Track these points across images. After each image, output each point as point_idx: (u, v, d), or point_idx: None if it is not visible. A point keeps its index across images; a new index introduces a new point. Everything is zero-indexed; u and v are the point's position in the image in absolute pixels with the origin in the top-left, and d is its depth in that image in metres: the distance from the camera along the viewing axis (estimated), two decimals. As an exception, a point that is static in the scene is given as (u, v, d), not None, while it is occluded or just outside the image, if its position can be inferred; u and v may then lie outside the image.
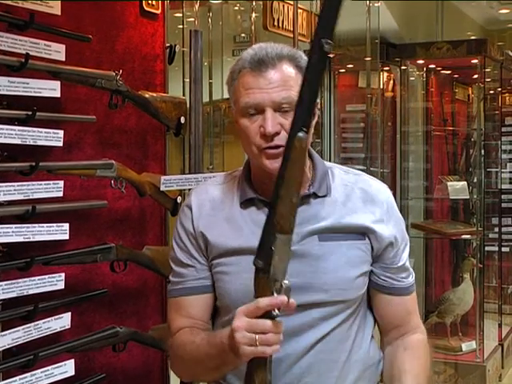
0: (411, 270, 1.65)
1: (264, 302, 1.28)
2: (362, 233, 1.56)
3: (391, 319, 1.64)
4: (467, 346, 4.84)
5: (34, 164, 1.92)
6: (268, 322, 1.28)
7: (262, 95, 1.46)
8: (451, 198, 5.13)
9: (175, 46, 2.54)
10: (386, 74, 5.18)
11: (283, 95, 1.46)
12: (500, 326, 5.41)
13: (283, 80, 1.47)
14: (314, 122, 1.51)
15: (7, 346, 1.89)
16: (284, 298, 1.28)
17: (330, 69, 4.69)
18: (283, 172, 1.29)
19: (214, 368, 1.46)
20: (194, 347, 1.51)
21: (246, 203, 1.58)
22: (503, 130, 5.85)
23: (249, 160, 1.62)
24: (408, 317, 1.64)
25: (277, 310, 1.29)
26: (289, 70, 1.48)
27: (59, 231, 2.00)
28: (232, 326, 1.31)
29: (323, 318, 1.52)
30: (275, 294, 1.29)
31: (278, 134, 1.46)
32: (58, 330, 2.03)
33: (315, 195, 1.57)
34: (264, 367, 1.31)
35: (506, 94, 6.17)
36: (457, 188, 5.07)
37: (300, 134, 1.27)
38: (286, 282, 1.29)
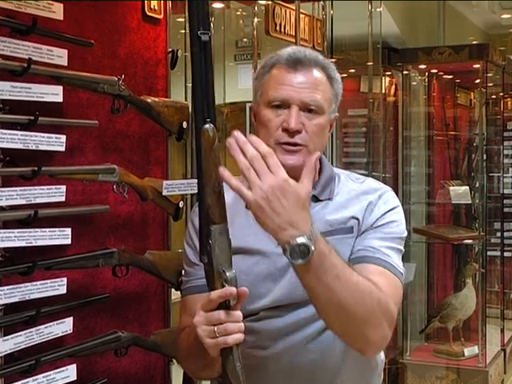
0: (389, 254, 1.53)
1: (215, 294, 1.31)
2: (351, 226, 1.56)
3: None
4: (469, 351, 4.83)
5: (36, 169, 1.92)
6: (221, 313, 1.30)
7: (292, 93, 1.52)
8: (453, 202, 5.13)
9: (177, 50, 2.54)
10: (387, 79, 5.18)
11: (312, 97, 1.52)
12: (502, 331, 5.41)
13: (315, 83, 1.53)
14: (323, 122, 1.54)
15: (9, 351, 1.89)
16: (232, 288, 1.30)
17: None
18: (200, 165, 1.33)
19: (205, 365, 1.47)
20: (187, 346, 1.53)
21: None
22: (505, 134, 5.85)
23: None
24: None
25: (231, 300, 1.31)
26: (321, 76, 1.55)
27: (61, 236, 2.00)
28: (193, 322, 1.34)
29: (310, 319, 1.53)
30: (226, 285, 1.31)
31: (299, 132, 1.51)
32: (60, 334, 2.03)
33: (316, 198, 1.58)
34: (231, 357, 1.33)
35: (508, 99, 6.17)
36: (459, 193, 5.07)
37: (205, 126, 1.32)
38: (228, 273, 1.31)
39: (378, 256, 1.51)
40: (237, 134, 1.31)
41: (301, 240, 1.30)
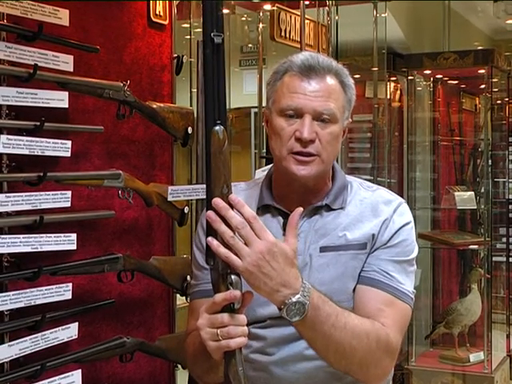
0: (402, 281, 1.55)
1: (219, 297, 1.31)
2: (364, 242, 1.56)
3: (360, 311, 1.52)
4: (475, 356, 4.81)
5: (41, 174, 1.92)
6: (225, 315, 1.31)
7: (305, 101, 1.49)
8: (458, 208, 5.11)
9: (182, 56, 2.55)
10: (392, 84, 5.18)
11: (325, 106, 1.50)
12: (508, 336, 5.39)
13: (328, 91, 1.51)
14: (336, 129, 1.53)
15: (14, 357, 1.89)
16: (236, 291, 1.30)
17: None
18: (208, 167, 1.32)
19: (209, 369, 1.47)
20: (193, 350, 1.53)
21: (262, 209, 1.60)
22: (510, 139, 5.83)
23: (271, 171, 1.64)
24: (379, 314, 1.50)
25: (236, 304, 1.31)
26: (335, 83, 1.53)
27: (67, 241, 2.01)
28: (197, 325, 1.34)
29: None
30: (231, 288, 1.31)
31: (312, 142, 1.49)
32: (65, 340, 2.03)
33: (328, 207, 1.58)
34: (234, 360, 1.33)
35: (514, 104, 6.15)
36: (464, 198, 5.05)
37: (216, 128, 1.32)
38: (233, 276, 1.31)
39: (392, 284, 1.53)
40: (217, 201, 1.31)
41: (295, 298, 1.33)
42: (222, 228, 1.30)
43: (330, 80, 1.52)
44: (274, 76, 1.56)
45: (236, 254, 1.30)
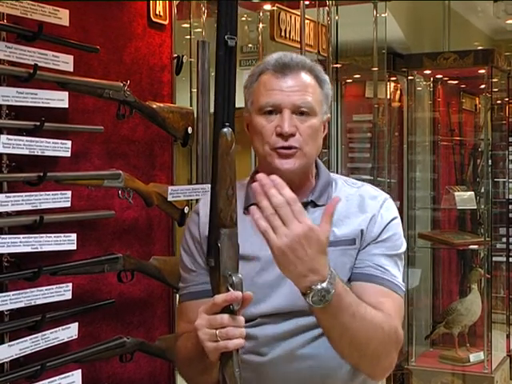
0: (395, 274, 1.57)
1: (219, 298, 1.31)
2: (353, 238, 1.57)
3: None
4: (475, 356, 4.81)
5: (41, 174, 1.93)
6: (225, 316, 1.31)
7: (282, 97, 1.52)
8: (458, 208, 5.11)
9: (182, 56, 2.55)
10: (392, 84, 5.18)
11: (303, 100, 1.53)
12: (508, 336, 5.39)
13: (304, 85, 1.54)
14: (316, 131, 1.55)
15: (15, 357, 1.89)
16: (237, 293, 1.31)
17: (338, 78, 4.67)
18: (215, 168, 1.33)
19: (203, 370, 1.47)
20: (185, 352, 1.53)
21: (249, 209, 1.60)
22: (510, 139, 5.83)
23: (257, 169, 1.65)
24: (381, 307, 1.50)
25: (235, 305, 1.31)
26: (310, 78, 1.56)
27: (67, 241, 2.01)
28: (195, 325, 1.34)
29: (308, 326, 1.53)
30: (231, 289, 1.31)
31: (293, 135, 1.52)
32: (66, 340, 2.03)
33: (314, 204, 1.59)
34: (231, 362, 1.33)
35: (514, 104, 6.15)
36: (464, 198, 5.05)
37: (224, 130, 1.32)
38: (234, 277, 1.32)
39: (387, 278, 1.55)
40: (261, 176, 1.31)
41: (322, 285, 1.32)
42: (264, 203, 1.30)
43: (305, 75, 1.55)
44: (250, 78, 1.60)
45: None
